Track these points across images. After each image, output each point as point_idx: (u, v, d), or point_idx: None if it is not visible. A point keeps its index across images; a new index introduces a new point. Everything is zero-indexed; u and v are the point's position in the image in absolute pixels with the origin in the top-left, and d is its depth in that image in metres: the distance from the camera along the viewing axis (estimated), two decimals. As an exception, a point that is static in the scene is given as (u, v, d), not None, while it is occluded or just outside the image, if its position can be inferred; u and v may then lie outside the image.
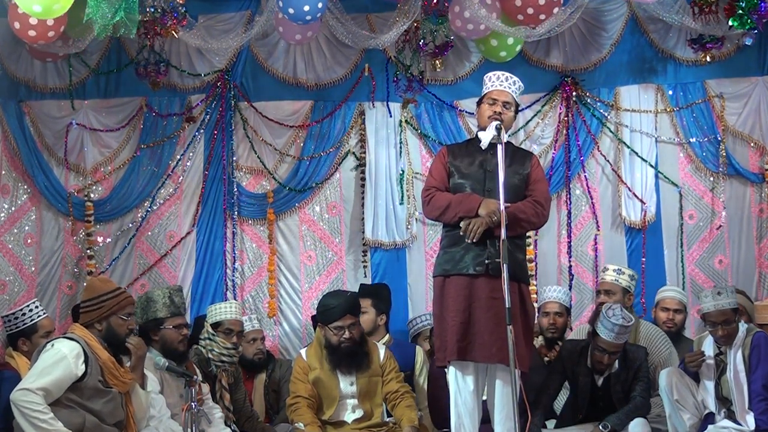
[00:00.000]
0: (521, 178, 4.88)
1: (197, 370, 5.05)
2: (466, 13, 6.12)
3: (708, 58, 6.63)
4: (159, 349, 4.82)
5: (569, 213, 6.89)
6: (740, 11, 6.02)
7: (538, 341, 5.99)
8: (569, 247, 6.87)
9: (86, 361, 4.22)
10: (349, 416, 5.28)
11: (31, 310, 5.06)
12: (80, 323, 4.40)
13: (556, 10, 6.07)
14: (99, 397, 4.26)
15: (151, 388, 4.56)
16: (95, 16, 5.31)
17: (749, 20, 6.04)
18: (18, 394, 4.09)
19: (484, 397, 4.86)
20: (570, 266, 6.85)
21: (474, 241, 4.68)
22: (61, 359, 4.16)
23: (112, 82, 6.76)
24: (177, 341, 4.87)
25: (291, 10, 5.75)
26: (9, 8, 5.66)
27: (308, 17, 5.78)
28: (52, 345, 4.25)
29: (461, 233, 4.72)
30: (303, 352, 5.45)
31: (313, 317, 5.63)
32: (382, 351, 5.46)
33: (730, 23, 6.09)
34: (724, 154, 6.80)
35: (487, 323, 4.63)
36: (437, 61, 6.61)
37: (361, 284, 6.42)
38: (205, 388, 5.07)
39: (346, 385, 5.28)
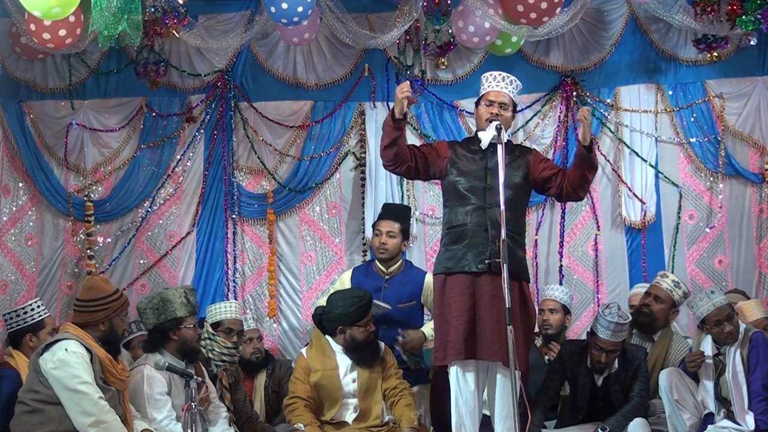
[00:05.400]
0: (522, 176, 4.85)
1: (205, 371, 5.05)
2: (470, 27, 6.23)
3: (713, 58, 6.63)
4: (176, 348, 4.80)
5: (568, 213, 6.89)
6: (746, 11, 6.02)
7: (539, 340, 5.98)
8: (569, 247, 6.87)
9: (91, 359, 4.26)
10: (350, 416, 5.26)
11: (34, 308, 5.05)
12: (76, 322, 4.41)
13: (558, 10, 6.10)
14: None
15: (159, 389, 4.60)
16: (99, 27, 5.31)
17: (755, 20, 6.03)
18: (104, 413, 4.18)
19: (484, 398, 4.86)
20: (570, 266, 6.85)
21: None
22: (82, 359, 4.20)
23: (112, 82, 6.77)
24: (195, 340, 4.87)
25: (273, 10, 5.82)
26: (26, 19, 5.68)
27: (295, 18, 5.81)
28: (66, 350, 4.22)
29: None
30: (304, 351, 5.41)
31: (319, 323, 5.49)
32: (381, 345, 5.44)
33: (737, 23, 6.09)
34: (723, 154, 6.81)
35: (489, 321, 4.61)
36: (443, 60, 6.61)
37: (386, 204, 6.18)
38: (211, 387, 5.07)
39: (348, 382, 5.27)
